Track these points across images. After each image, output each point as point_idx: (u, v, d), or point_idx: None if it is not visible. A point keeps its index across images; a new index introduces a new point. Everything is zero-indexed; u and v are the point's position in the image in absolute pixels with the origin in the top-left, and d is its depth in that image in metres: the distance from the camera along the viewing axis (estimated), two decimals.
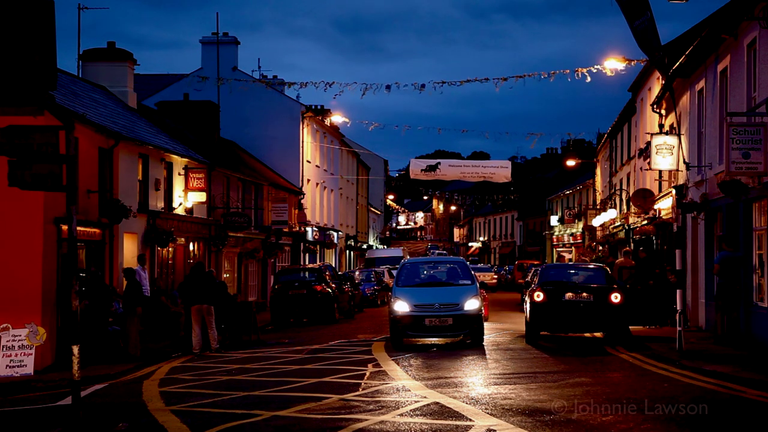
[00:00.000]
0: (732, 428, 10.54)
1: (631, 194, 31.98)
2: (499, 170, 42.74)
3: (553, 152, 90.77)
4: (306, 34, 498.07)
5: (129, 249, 24.08)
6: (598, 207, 49.26)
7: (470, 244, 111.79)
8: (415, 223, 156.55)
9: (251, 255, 37.01)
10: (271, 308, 31.93)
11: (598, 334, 21.27)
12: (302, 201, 46.37)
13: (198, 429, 10.79)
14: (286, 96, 47.54)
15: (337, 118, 44.16)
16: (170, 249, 27.44)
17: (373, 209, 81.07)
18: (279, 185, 42.69)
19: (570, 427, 10.18)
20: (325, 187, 54.13)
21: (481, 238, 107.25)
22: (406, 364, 16.84)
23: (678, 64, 22.52)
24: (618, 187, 41.17)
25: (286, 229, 41.86)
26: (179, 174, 28.63)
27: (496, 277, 58.17)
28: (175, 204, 28.21)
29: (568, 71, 26.83)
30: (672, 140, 22.93)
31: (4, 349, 16.53)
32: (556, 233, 70.10)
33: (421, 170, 42.55)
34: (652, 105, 28.65)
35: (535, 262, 52.83)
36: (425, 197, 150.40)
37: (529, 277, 31.64)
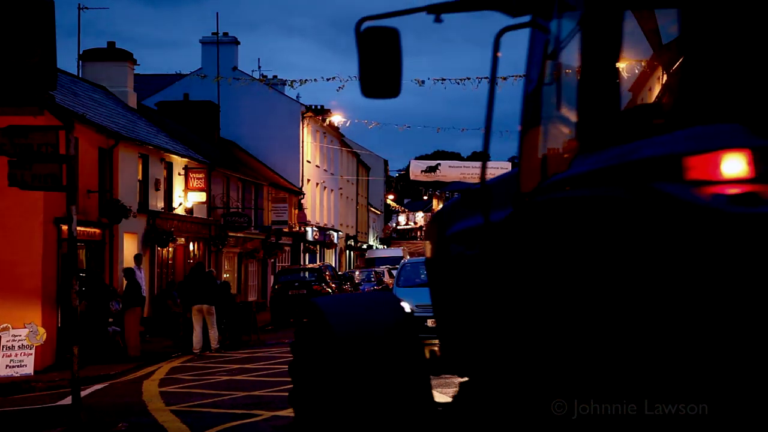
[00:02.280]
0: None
1: None
2: (499, 171, 42.80)
3: None
4: (303, 33, 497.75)
5: (129, 249, 24.08)
6: None
7: None
8: (415, 223, 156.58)
9: (251, 255, 37.01)
10: (271, 308, 31.94)
11: None
12: (302, 201, 46.37)
13: (198, 429, 10.79)
14: (286, 96, 47.55)
15: (337, 118, 44.18)
16: (170, 249, 27.45)
17: (373, 209, 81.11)
18: (279, 185, 42.69)
19: None
20: (325, 187, 54.14)
21: None
22: None
23: None
24: None
25: (286, 229, 41.86)
26: (179, 174, 28.64)
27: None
28: (175, 204, 28.22)
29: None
30: None
31: (4, 349, 16.53)
32: None
33: (422, 171, 42.60)
34: None
35: None
36: (425, 197, 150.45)
37: None
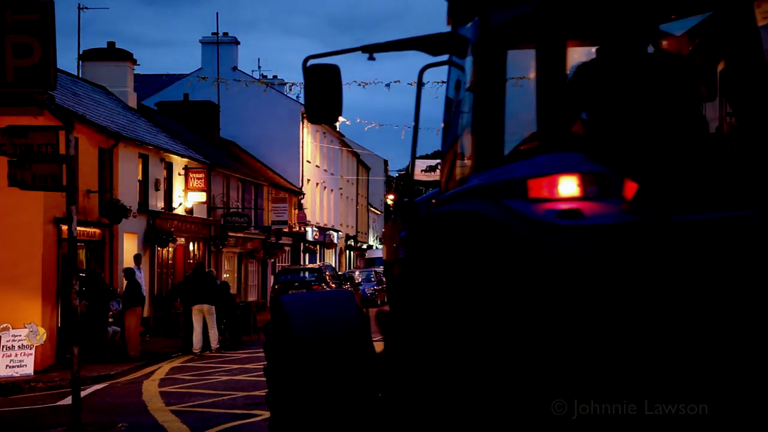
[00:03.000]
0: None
1: None
2: None
3: None
4: (302, 33, 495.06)
5: (129, 249, 24.08)
6: None
7: None
8: None
9: (251, 255, 37.01)
10: (271, 308, 31.89)
11: None
12: (302, 201, 46.37)
13: (198, 429, 10.80)
14: (286, 96, 47.53)
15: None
16: (170, 249, 27.44)
17: (373, 209, 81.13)
18: (279, 185, 42.69)
19: None
20: (325, 187, 54.15)
21: None
22: None
23: None
24: None
25: (286, 229, 41.85)
26: (179, 174, 28.64)
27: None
28: (175, 204, 28.22)
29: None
30: None
31: (4, 349, 16.53)
32: None
33: (422, 171, 42.47)
34: None
35: None
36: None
37: None
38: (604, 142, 3.84)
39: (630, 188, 3.53)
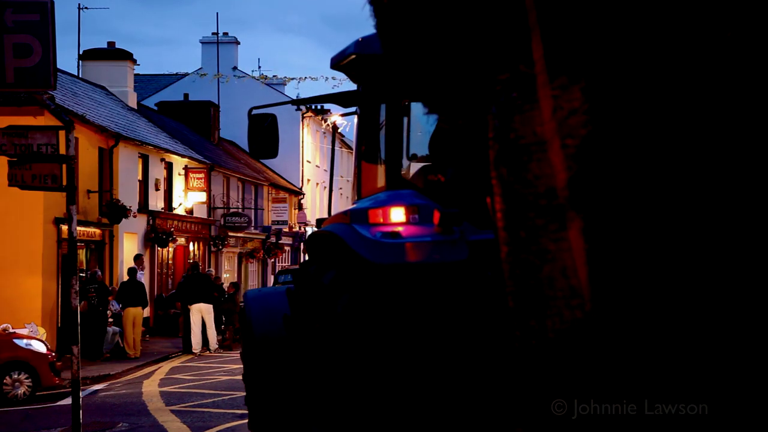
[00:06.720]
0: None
1: None
2: None
3: None
4: (297, 31, 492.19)
5: (129, 249, 24.07)
6: None
7: None
8: None
9: (251, 255, 37.01)
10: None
11: None
12: (302, 201, 46.36)
13: (198, 429, 10.80)
14: (287, 96, 47.50)
15: (337, 118, 44.07)
16: (170, 249, 27.44)
17: None
18: (279, 185, 42.69)
19: None
20: (325, 187, 54.15)
21: None
22: None
23: None
24: None
25: (286, 229, 41.84)
26: (179, 174, 28.63)
27: None
28: (175, 204, 28.21)
29: None
30: None
31: None
32: None
33: None
34: None
35: None
36: None
37: None
38: (434, 183, 5.04)
39: (436, 216, 4.56)
